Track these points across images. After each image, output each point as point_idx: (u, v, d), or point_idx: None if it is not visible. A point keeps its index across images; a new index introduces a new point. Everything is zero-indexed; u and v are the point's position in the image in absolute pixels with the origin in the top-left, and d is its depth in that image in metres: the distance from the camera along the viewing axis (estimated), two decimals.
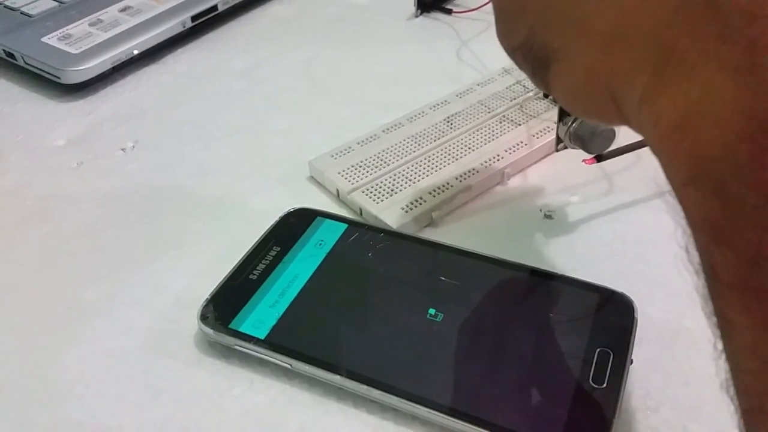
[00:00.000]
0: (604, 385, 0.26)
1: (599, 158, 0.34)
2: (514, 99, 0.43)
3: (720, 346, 0.16)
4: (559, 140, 0.36)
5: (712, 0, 0.15)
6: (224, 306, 0.30)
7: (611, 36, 0.18)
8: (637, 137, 0.33)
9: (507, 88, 0.44)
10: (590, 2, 0.18)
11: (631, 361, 0.27)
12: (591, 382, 0.26)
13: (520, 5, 0.22)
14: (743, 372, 0.16)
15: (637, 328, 0.28)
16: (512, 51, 0.23)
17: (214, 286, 0.31)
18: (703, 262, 0.16)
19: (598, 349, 0.27)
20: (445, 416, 0.26)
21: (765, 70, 0.14)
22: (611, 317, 0.29)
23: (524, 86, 0.44)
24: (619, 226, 0.35)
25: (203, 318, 0.30)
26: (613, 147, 0.34)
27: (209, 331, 0.29)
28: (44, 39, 0.51)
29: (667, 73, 0.16)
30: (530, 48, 0.22)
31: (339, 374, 0.27)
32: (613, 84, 0.18)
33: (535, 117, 0.41)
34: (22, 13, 0.55)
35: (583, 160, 0.35)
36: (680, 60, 0.16)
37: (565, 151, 0.38)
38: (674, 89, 0.16)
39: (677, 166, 0.16)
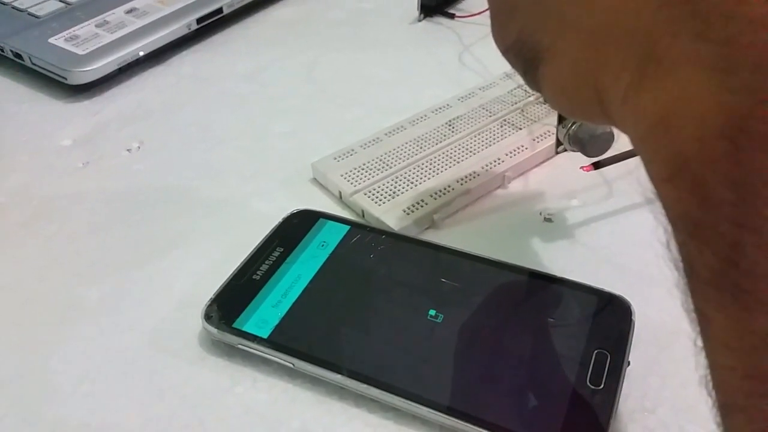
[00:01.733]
0: (601, 386, 0.26)
1: (597, 165, 0.35)
2: (516, 103, 0.43)
3: (700, 342, 0.16)
4: (558, 143, 0.36)
5: None
6: (228, 305, 0.31)
7: (596, 35, 0.18)
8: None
9: (508, 92, 0.44)
10: (577, 2, 0.19)
11: (629, 363, 0.28)
12: (588, 384, 0.27)
13: (511, 6, 0.22)
14: (719, 368, 0.16)
15: (635, 330, 0.29)
16: (505, 51, 0.24)
17: (218, 286, 0.32)
18: (682, 259, 0.16)
19: (596, 351, 0.28)
20: (445, 415, 0.26)
21: (742, 69, 0.14)
22: (609, 319, 0.29)
23: (525, 90, 0.44)
24: (618, 230, 0.35)
25: (207, 317, 0.30)
26: (611, 152, 0.35)
27: (213, 330, 0.30)
28: (51, 40, 0.52)
29: (649, 71, 0.16)
30: (521, 48, 0.22)
31: (340, 373, 0.28)
32: (598, 82, 0.19)
33: (536, 121, 0.41)
34: (29, 14, 0.55)
35: (581, 167, 0.35)
36: (661, 58, 0.16)
37: (565, 154, 0.39)
38: (655, 87, 0.16)
39: (657, 163, 0.16)
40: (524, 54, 0.22)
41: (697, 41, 0.15)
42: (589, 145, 0.34)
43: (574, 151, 0.35)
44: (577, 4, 0.19)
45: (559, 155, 0.40)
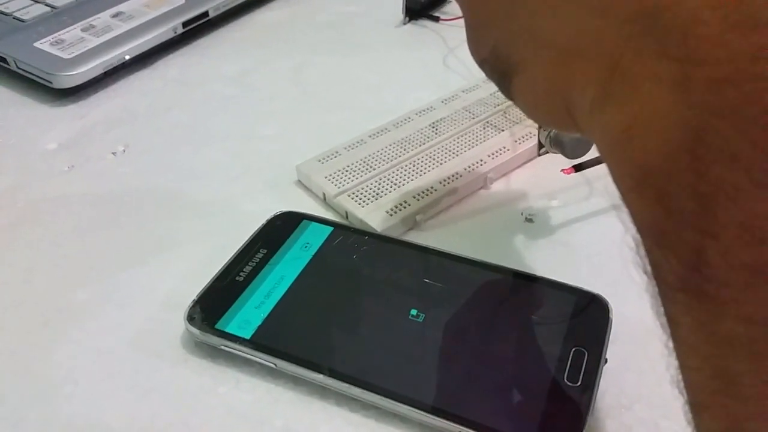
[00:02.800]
0: (579, 383, 0.27)
1: (577, 168, 0.35)
2: (498, 105, 0.44)
3: (671, 344, 0.17)
4: (540, 145, 0.37)
5: (652, 17, 0.15)
6: (211, 307, 0.31)
7: (565, 51, 0.19)
8: None
9: (491, 94, 0.45)
10: (547, 19, 0.19)
11: (606, 360, 0.28)
12: (566, 381, 0.27)
13: (486, 20, 0.23)
14: (687, 368, 0.17)
15: (612, 328, 0.29)
16: (481, 63, 0.24)
17: (201, 288, 0.32)
18: (650, 264, 0.17)
19: (573, 349, 0.28)
20: (425, 413, 0.26)
21: (699, 85, 0.14)
22: (587, 317, 0.29)
23: None
24: (597, 229, 0.36)
25: (190, 319, 0.30)
26: (591, 155, 0.35)
27: (196, 331, 0.30)
28: (37, 44, 0.52)
29: (613, 86, 0.17)
30: (495, 60, 0.22)
31: (322, 373, 0.28)
32: (567, 95, 0.19)
33: (518, 123, 0.42)
34: (14, 18, 0.55)
35: (562, 170, 0.36)
36: (624, 74, 0.16)
37: (546, 156, 0.39)
38: (619, 102, 0.17)
39: (623, 174, 0.17)
40: (498, 67, 0.23)
41: (657, 58, 0.15)
42: (570, 147, 0.34)
43: (555, 153, 0.36)
44: (546, 20, 0.19)
45: (541, 157, 0.41)
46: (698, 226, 0.15)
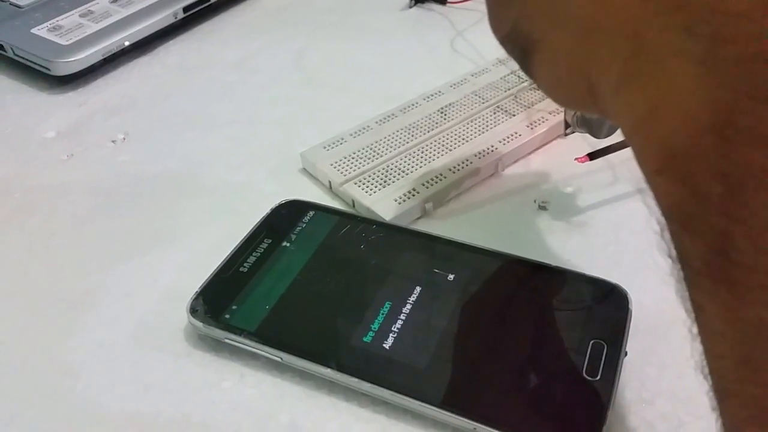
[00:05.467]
0: (598, 377, 0.26)
1: (592, 156, 0.34)
2: (509, 89, 0.42)
3: (695, 329, 0.17)
4: (566, 125, 0.36)
5: None
6: (214, 299, 0.30)
7: (587, 27, 0.18)
8: None
9: (501, 78, 0.44)
10: None
11: (626, 353, 0.27)
12: (584, 375, 0.26)
13: None
14: (713, 355, 0.16)
15: (632, 320, 0.28)
16: (502, 40, 0.24)
17: (204, 279, 0.31)
18: (675, 248, 0.16)
19: (592, 341, 0.27)
20: (437, 409, 0.25)
21: (727, 63, 0.14)
22: (605, 309, 0.28)
23: (519, 77, 0.43)
24: (614, 217, 0.35)
25: (193, 311, 0.29)
26: (617, 137, 0.34)
27: (199, 324, 0.29)
28: (34, 30, 0.51)
29: (638, 64, 0.16)
30: (516, 38, 0.22)
31: (330, 367, 0.27)
32: (590, 74, 0.19)
33: (529, 107, 0.41)
34: (11, 4, 0.54)
35: (576, 159, 0.34)
36: (649, 51, 0.16)
37: (559, 142, 0.38)
38: (644, 80, 0.16)
39: (648, 156, 0.17)
40: (519, 44, 0.22)
41: (683, 35, 0.15)
42: (597, 126, 0.33)
43: (582, 132, 0.35)
44: None
45: (554, 141, 0.39)
46: (725, 210, 0.15)
